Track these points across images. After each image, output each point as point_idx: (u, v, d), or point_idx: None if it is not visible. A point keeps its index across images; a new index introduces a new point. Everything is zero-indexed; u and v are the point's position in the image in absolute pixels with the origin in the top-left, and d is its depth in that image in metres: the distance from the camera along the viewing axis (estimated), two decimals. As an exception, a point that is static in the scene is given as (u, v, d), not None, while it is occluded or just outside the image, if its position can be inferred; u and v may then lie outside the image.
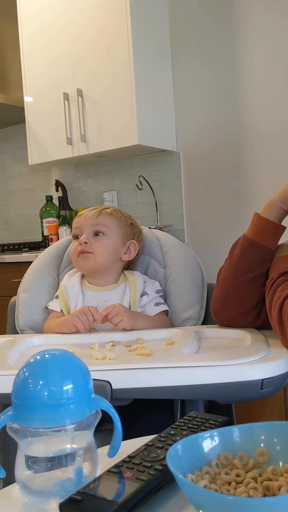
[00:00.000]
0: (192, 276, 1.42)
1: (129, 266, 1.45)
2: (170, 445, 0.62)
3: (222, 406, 1.14)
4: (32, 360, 0.61)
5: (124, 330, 1.25)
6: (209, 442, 0.60)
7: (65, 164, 3.16)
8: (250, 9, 2.52)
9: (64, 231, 2.96)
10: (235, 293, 1.18)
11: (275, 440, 0.61)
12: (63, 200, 3.14)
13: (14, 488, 0.62)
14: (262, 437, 0.61)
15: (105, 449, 0.65)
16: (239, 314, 1.19)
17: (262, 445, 0.61)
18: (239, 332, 1.17)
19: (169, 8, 2.77)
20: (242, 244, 1.19)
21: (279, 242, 1.22)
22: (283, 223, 1.21)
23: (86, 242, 1.33)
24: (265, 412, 1.96)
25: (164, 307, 1.37)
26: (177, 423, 0.73)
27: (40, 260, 1.53)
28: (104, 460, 0.63)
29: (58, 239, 2.90)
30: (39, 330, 1.40)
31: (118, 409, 0.68)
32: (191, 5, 2.70)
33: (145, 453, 0.64)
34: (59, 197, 3.15)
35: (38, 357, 0.61)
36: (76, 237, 1.38)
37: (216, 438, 0.61)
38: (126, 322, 1.24)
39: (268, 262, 1.17)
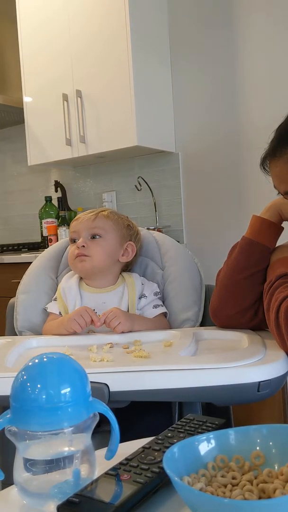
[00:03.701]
0: (190, 277, 1.43)
1: (127, 267, 1.45)
2: (167, 447, 0.63)
3: (219, 408, 1.14)
4: (30, 363, 0.62)
5: (123, 332, 1.25)
6: (205, 445, 0.61)
7: (64, 165, 3.16)
8: (249, 11, 2.53)
9: (63, 231, 2.96)
10: (232, 290, 1.19)
11: (270, 443, 0.61)
12: (62, 200, 3.15)
13: (12, 490, 0.63)
14: (258, 440, 0.62)
15: (102, 451, 0.66)
16: (236, 312, 1.19)
17: (258, 447, 0.61)
18: (236, 334, 1.17)
19: (168, 8, 2.77)
20: (240, 244, 1.22)
21: (278, 244, 1.23)
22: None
23: (83, 246, 1.34)
24: (264, 414, 1.96)
25: (162, 309, 1.37)
26: (174, 425, 0.73)
27: (38, 261, 1.53)
28: (102, 462, 0.64)
29: (57, 240, 2.90)
30: (37, 331, 1.41)
31: (116, 411, 0.68)
32: (190, 5, 2.71)
33: (142, 455, 0.64)
34: (58, 198, 3.15)
35: (36, 361, 0.62)
36: (73, 240, 1.39)
37: (213, 441, 0.61)
38: (124, 325, 1.24)
39: (265, 260, 1.18)
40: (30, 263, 1.57)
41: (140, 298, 1.36)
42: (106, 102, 2.65)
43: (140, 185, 2.88)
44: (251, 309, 1.19)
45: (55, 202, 3.18)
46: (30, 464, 0.60)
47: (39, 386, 0.59)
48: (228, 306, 1.20)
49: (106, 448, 0.66)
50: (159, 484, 0.59)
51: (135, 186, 2.90)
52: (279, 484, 0.54)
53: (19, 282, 1.51)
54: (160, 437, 0.70)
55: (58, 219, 3.07)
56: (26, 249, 3.18)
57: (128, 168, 2.98)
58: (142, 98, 2.59)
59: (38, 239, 3.26)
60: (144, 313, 1.36)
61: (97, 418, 0.62)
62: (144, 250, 1.48)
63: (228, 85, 2.62)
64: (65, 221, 3.01)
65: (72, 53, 2.75)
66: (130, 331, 1.26)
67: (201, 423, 0.73)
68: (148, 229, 1.57)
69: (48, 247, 1.77)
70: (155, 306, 1.37)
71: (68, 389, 0.59)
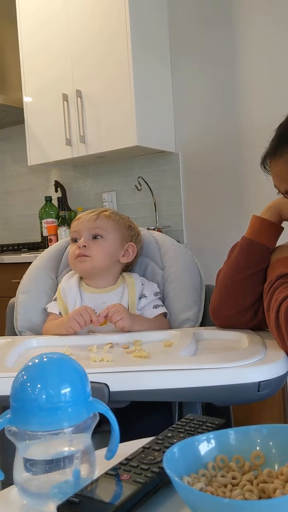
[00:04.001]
0: (190, 277, 1.43)
1: (128, 267, 1.45)
2: (167, 447, 0.63)
3: (219, 408, 1.14)
4: (30, 363, 0.62)
5: (123, 329, 1.25)
6: (205, 445, 0.61)
7: (64, 165, 3.16)
8: (249, 11, 2.53)
9: (63, 231, 2.96)
10: (232, 290, 1.19)
11: (270, 443, 0.61)
12: (62, 200, 3.15)
13: (12, 490, 0.63)
14: (258, 440, 0.62)
15: (102, 451, 0.66)
16: (236, 312, 1.19)
17: (258, 447, 0.61)
18: (236, 334, 1.17)
19: (168, 8, 2.77)
20: (240, 244, 1.22)
21: (278, 244, 1.23)
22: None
23: (84, 246, 1.34)
24: (264, 414, 1.96)
25: (162, 310, 1.37)
26: (174, 425, 0.73)
27: (38, 261, 1.53)
28: (102, 462, 0.64)
29: (57, 240, 2.90)
30: (37, 331, 1.41)
31: (116, 411, 0.68)
32: (190, 5, 2.71)
33: (142, 455, 0.64)
34: (58, 198, 3.15)
35: (36, 361, 0.62)
36: (74, 240, 1.39)
37: (213, 441, 0.61)
38: (125, 321, 1.24)
39: (265, 260, 1.18)
40: (30, 263, 1.57)
41: (140, 298, 1.36)
42: (106, 102, 2.65)
43: (140, 185, 2.88)
44: (251, 309, 1.19)
45: (55, 202, 3.18)
46: (30, 464, 0.60)
47: (39, 386, 0.59)
48: (228, 306, 1.20)
49: (106, 448, 0.66)
50: (159, 484, 0.59)
51: (135, 186, 2.90)
52: (279, 484, 0.54)
53: (19, 282, 1.51)
54: (160, 437, 0.70)
55: (58, 219, 3.07)
56: (26, 249, 3.18)
57: (128, 168, 2.98)
58: (142, 98, 2.59)
59: (38, 239, 3.26)
60: (144, 313, 1.36)
61: (97, 418, 0.62)
62: (144, 250, 1.48)
63: (228, 85, 2.62)
64: (65, 221, 3.01)
65: (72, 53, 2.75)
66: (130, 331, 1.26)
67: (201, 423, 0.73)
68: (148, 229, 1.57)
69: (48, 247, 1.77)
70: (155, 306, 1.37)
71: (68, 389, 0.59)
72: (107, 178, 3.08)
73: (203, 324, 1.37)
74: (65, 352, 1.07)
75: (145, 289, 1.38)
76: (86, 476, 0.60)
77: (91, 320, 1.25)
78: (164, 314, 1.38)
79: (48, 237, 3.00)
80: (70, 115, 2.78)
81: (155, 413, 1.19)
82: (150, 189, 2.87)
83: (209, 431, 0.70)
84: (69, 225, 2.92)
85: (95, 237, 1.36)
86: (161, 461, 0.61)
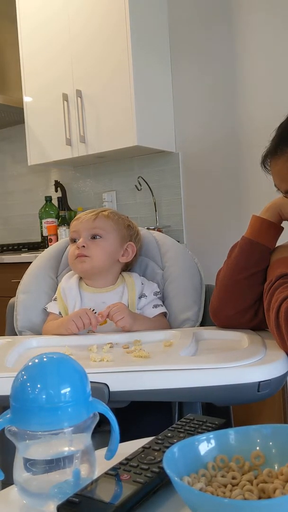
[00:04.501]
0: (190, 277, 1.43)
1: (127, 267, 1.45)
2: (167, 447, 0.63)
3: (219, 408, 1.14)
4: (30, 363, 0.62)
5: (123, 329, 1.25)
6: (205, 444, 0.61)
7: (64, 165, 3.17)
8: (249, 11, 2.53)
9: (63, 231, 2.96)
10: (231, 290, 1.19)
11: (270, 443, 0.61)
12: (62, 200, 3.15)
13: (12, 490, 0.63)
14: (258, 440, 0.62)
15: (102, 451, 0.66)
16: (236, 312, 1.19)
17: (258, 447, 0.61)
18: (236, 334, 1.17)
19: (168, 8, 2.77)
20: (240, 244, 1.22)
21: (278, 244, 1.23)
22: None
23: (83, 246, 1.34)
24: (264, 414, 1.96)
25: (162, 309, 1.37)
26: (174, 425, 0.73)
27: (38, 261, 1.53)
28: (102, 462, 0.64)
29: (57, 240, 2.90)
30: (37, 331, 1.41)
31: (116, 411, 0.68)
32: (190, 5, 2.71)
33: (142, 455, 0.64)
34: (58, 198, 3.15)
35: (36, 361, 0.62)
36: (73, 240, 1.39)
37: (213, 441, 0.61)
38: (126, 320, 1.24)
39: (264, 260, 1.18)
40: (30, 263, 1.57)
41: (140, 297, 1.37)
42: (106, 102, 2.65)
43: (140, 185, 2.88)
44: (251, 309, 1.19)
45: (55, 202, 3.18)
46: (30, 464, 0.60)
47: (39, 386, 0.59)
48: (228, 306, 1.20)
49: (106, 448, 0.66)
50: (159, 484, 0.59)
51: (135, 186, 2.90)
52: (279, 484, 0.54)
53: (19, 282, 1.51)
54: (160, 437, 0.70)
55: (58, 219, 3.07)
56: (26, 249, 3.19)
57: (128, 168, 2.98)
58: (142, 98, 2.59)
59: (38, 239, 3.26)
60: (144, 312, 1.36)
61: (97, 418, 0.62)
62: (144, 250, 1.48)
63: (228, 85, 2.62)
64: (65, 221, 3.01)
65: (72, 53, 2.75)
66: (130, 330, 1.26)
67: (201, 423, 0.73)
68: (148, 229, 1.57)
69: (48, 247, 1.77)
70: (155, 306, 1.37)
71: (68, 389, 0.59)
72: (107, 178, 3.08)
73: (203, 324, 1.37)
74: (65, 352, 1.07)
75: (145, 288, 1.38)
76: (86, 476, 0.60)
77: (91, 323, 1.25)
78: (164, 314, 1.38)
79: (48, 237, 3.00)
80: (70, 115, 2.78)
81: (155, 413, 1.19)
82: (150, 189, 2.87)
83: (209, 431, 0.70)
84: (69, 225, 2.92)
85: (94, 237, 1.36)
86: (161, 461, 0.61)
